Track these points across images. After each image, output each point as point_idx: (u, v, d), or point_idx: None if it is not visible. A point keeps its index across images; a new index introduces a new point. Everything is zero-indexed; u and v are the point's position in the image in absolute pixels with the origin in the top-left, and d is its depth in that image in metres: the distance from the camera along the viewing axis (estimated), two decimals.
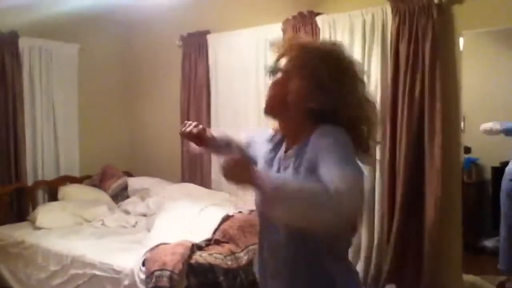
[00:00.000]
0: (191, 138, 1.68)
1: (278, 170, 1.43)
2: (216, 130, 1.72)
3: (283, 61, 1.40)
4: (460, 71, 3.14)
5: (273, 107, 1.42)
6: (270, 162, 1.49)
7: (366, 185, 3.27)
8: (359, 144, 1.36)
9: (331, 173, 1.17)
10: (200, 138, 1.67)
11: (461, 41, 3.15)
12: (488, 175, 3.73)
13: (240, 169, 1.21)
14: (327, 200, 1.10)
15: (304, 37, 1.48)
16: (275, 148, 1.50)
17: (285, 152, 1.44)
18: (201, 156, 4.37)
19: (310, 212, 1.12)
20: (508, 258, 3.42)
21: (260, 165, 1.52)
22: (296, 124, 1.40)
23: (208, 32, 4.36)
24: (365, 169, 1.39)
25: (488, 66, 3.48)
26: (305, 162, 1.32)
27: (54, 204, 4.11)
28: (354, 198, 1.15)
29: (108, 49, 4.94)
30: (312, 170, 1.26)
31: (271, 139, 1.53)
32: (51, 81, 4.38)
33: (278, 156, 1.47)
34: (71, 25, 4.42)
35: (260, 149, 1.57)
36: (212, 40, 4.33)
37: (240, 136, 1.73)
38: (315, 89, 1.33)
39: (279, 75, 1.40)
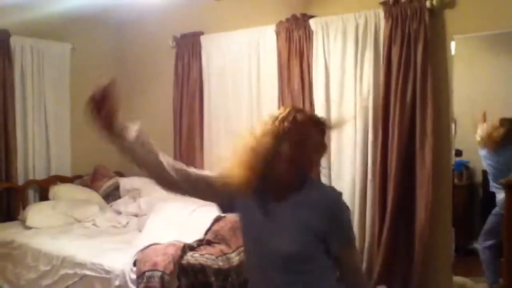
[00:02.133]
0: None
1: (272, 219, 1.56)
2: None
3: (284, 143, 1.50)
4: (451, 75, 3.17)
5: (291, 182, 1.56)
6: (265, 212, 1.57)
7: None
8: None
9: (353, 264, 1.60)
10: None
11: (452, 45, 3.18)
12: (478, 178, 3.76)
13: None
14: None
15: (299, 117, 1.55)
16: (261, 197, 1.58)
17: (277, 200, 1.56)
18: (193, 157, 4.37)
19: None
20: (493, 272, 3.48)
21: (245, 211, 1.63)
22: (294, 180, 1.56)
23: (201, 33, 4.36)
24: None
25: (479, 70, 3.51)
26: (310, 225, 1.51)
27: (44, 203, 4.09)
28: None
29: (101, 49, 4.92)
30: (320, 237, 1.51)
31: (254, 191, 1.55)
32: (42, 81, 4.36)
33: (269, 205, 1.57)
34: (63, 24, 4.41)
35: (243, 200, 1.60)
36: (205, 41, 4.33)
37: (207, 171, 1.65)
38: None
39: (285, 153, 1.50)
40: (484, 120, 3.56)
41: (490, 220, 3.56)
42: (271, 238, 1.53)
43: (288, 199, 1.54)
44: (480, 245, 3.60)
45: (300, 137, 1.50)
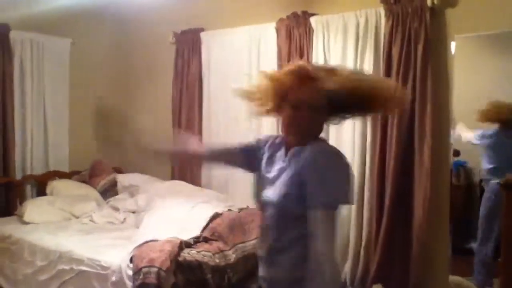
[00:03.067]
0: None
1: (276, 169, 1.66)
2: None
3: (299, 93, 1.58)
4: (451, 74, 3.16)
5: (297, 129, 1.62)
6: (271, 161, 1.71)
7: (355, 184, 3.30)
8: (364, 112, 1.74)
9: (316, 226, 1.48)
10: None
11: (453, 44, 3.17)
12: (476, 178, 3.77)
13: None
14: (323, 269, 1.45)
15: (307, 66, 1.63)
16: (275, 147, 1.73)
17: (287, 150, 1.67)
18: (196, 168, 4.35)
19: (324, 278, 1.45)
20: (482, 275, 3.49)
21: (262, 164, 1.73)
22: (304, 136, 1.62)
23: (202, 29, 4.36)
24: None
25: (480, 70, 3.51)
26: (294, 170, 1.57)
27: (42, 199, 4.08)
28: (333, 241, 1.48)
29: (101, 44, 4.91)
30: (298, 183, 1.53)
31: (270, 141, 1.77)
32: (42, 75, 4.35)
33: (279, 154, 1.70)
34: (63, 19, 4.40)
35: (262, 150, 1.77)
36: (205, 37, 4.32)
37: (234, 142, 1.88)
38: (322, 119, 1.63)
39: (300, 105, 1.57)
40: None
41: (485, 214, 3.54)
42: (267, 190, 1.64)
43: (289, 154, 1.64)
44: (476, 245, 3.59)
45: (299, 98, 1.57)
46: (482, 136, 3.58)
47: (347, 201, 1.56)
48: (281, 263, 1.60)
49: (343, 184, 1.55)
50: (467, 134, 3.60)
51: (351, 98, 1.55)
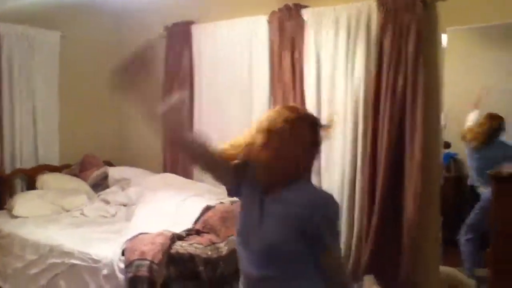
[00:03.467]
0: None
1: (261, 213, 1.60)
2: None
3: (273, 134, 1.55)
4: (442, 67, 3.18)
5: (276, 167, 1.57)
6: (253, 202, 1.63)
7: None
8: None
9: (330, 264, 1.55)
10: None
11: (444, 37, 3.19)
12: (466, 170, 3.80)
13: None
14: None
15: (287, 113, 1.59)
16: (253, 186, 1.65)
17: (266, 194, 1.61)
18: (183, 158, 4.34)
19: None
20: (473, 263, 3.54)
21: (245, 198, 1.70)
22: (287, 176, 1.58)
23: (192, 22, 4.33)
24: None
25: (471, 63, 3.54)
26: (296, 220, 1.52)
27: (32, 192, 4.04)
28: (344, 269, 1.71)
29: (91, 37, 4.85)
30: (303, 235, 1.50)
31: (248, 177, 1.67)
32: (31, 69, 4.28)
33: (258, 198, 1.62)
34: (52, 11, 4.34)
35: (251, 183, 1.67)
36: (196, 31, 4.30)
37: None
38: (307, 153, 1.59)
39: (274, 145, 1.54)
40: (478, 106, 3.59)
41: (473, 216, 3.61)
42: (257, 229, 1.58)
43: (280, 194, 1.58)
44: (462, 237, 3.65)
45: (290, 135, 1.54)
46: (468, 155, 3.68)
47: None
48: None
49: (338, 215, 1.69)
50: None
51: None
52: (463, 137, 3.68)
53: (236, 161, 1.71)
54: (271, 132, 1.54)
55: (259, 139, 1.56)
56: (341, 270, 1.63)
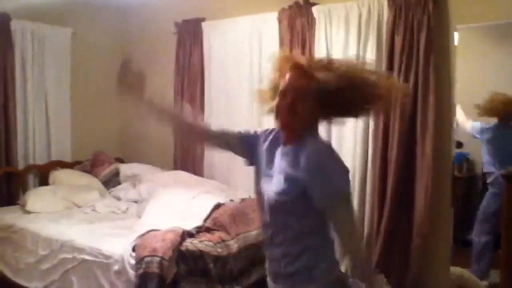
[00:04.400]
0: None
1: (271, 166, 1.65)
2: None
3: (286, 79, 1.57)
4: (454, 65, 3.15)
5: (284, 118, 1.58)
6: (271, 155, 1.67)
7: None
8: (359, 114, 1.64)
9: (338, 226, 1.52)
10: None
11: (455, 35, 3.16)
12: (478, 170, 3.76)
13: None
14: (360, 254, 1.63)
15: (301, 57, 1.69)
16: (274, 142, 1.69)
17: (284, 145, 1.63)
18: (194, 144, 4.37)
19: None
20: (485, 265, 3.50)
21: (261, 157, 1.71)
22: (298, 127, 1.58)
23: (203, 19, 4.34)
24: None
25: (482, 61, 3.50)
26: (291, 171, 1.54)
27: (45, 188, 4.09)
28: (356, 232, 1.66)
29: (102, 34, 4.89)
30: (297, 185, 1.51)
31: (270, 135, 1.73)
32: (43, 65, 4.34)
33: (278, 150, 1.65)
34: (64, 9, 4.38)
35: (261, 144, 1.73)
36: (207, 27, 4.30)
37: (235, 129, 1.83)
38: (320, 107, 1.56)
39: (285, 91, 1.56)
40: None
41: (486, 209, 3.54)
42: (266, 184, 1.63)
43: (286, 149, 1.60)
44: (476, 237, 3.60)
45: (285, 84, 1.56)
46: (481, 131, 3.57)
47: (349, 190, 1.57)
48: (281, 258, 1.60)
49: (345, 176, 1.54)
50: (467, 125, 3.60)
51: (341, 94, 1.51)
52: (482, 110, 3.48)
53: (239, 132, 1.79)
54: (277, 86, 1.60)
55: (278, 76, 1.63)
56: (352, 235, 1.55)
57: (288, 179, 1.53)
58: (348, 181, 1.55)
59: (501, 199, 3.18)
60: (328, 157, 1.52)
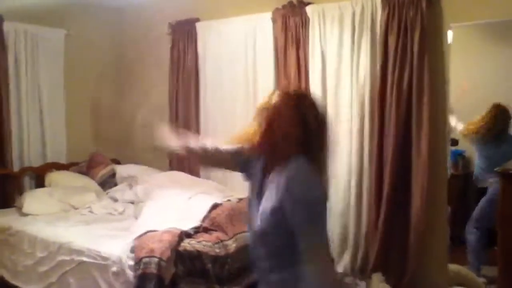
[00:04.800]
0: None
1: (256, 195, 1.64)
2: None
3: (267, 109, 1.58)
4: (448, 63, 3.17)
5: (264, 149, 1.60)
6: (261, 184, 1.64)
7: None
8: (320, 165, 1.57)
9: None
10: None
11: (449, 33, 3.18)
12: (474, 167, 3.79)
13: None
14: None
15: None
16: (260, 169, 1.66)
17: (267, 173, 1.61)
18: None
19: None
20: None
21: (253, 181, 1.68)
22: (279, 156, 1.55)
23: (197, 20, 4.33)
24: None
25: (476, 59, 3.53)
26: (274, 199, 1.51)
27: (41, 190, 4.08)
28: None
29: (96, 35, 4.88)
30: (276, 210, 1.49)
31: (257, 161, 1.69)
32: (37, 67, 4.32)
33: (260, 180, 1.64)
34: (57, 10, 4.37)
35: (254, 166, 1.69)
36: (201, 28, 4.30)
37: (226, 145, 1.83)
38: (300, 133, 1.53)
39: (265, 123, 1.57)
40: None
41: (479, 211, 3.58)
42: (252, 214, 1.63)
43: (270, 177, 1.58)
44: (468, 233, 3.63)
45: (273, 115, 1.55)
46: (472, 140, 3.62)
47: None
48: (268, 268, 1.60)
49: (313, 191, 1.49)
50: (460, 128, 3.65)
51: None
52: (466, 133, 3.58)
53: (232, 149, 1.77)
54: (262, 111, 1.59)
55: (256, 121, 1.61)
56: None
57: (273, 212, 1.51)
58: (316, 197, 1.49)
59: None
60: (297, 181, 1.48)
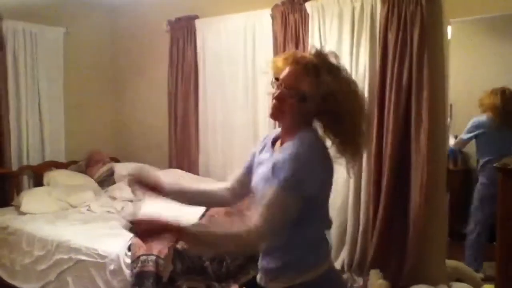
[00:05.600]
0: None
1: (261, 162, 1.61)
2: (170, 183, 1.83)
3: (282, 74, 1.52)
4: (447, 59, 3.15)
5: (277, 114, 1.54)
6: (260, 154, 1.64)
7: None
8: (345, 146, 1.48)
9: (264, 199, 1.41)
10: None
11: (449, 29, 3.16)
12: (473, 163, 3.76)
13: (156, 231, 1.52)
14: (247, 240, 1.40)
15: (298, 53, 1.57)
16: (267, 143, 1.65)
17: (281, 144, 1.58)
18: (188, 141, 4.37)
19: (235, 249, 1.53)
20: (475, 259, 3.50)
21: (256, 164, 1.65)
22: (292, 124, 1.53)
23: (196, 17, 4.32)
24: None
25: (476, 54, 3.50)
26: (274, 161, 1.47)
27: (39, 189, 4.07)
28: (274, 223, 1.40)
29: (95, 33, 4.87)
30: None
31: (265, 140, 1.69)
32: (36, 65, 4.31)
33: (266, 148, 1.64)
34: (56, 8, 4.36)
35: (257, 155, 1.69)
36: (200, 25, 4.29)
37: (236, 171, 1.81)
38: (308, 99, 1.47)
39: (278, 86, 1.52)
40: None
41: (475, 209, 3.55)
42: (256, 179, 1.60)
43: (277, 146, 1.58)
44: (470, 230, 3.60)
45: (280, 77, 1.52)
46: (477, 126, 3.55)
47: (314, 191, 1.45)
48: (269, 254, 1.58)
49: (314, 172, 1.43)
50: (460, 139, 3.63)
51: (334, 107, 1.45)
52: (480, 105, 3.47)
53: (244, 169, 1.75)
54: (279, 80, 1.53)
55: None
56: (263, 225, 1.39)
57: (269, 170, 1.47)
58: (315, 176, 1.43)
59: (490, 186, 3.22)
60: (308, 149, 1.44)
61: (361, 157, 1.54)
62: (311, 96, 1.46)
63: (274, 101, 1.52)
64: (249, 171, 1.70)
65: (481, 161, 3.55)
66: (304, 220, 1.47)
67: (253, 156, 1.71)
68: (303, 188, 1.41)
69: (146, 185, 1.74)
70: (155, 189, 1.77)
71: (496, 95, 3.40)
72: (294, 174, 1.39)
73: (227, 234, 1.45)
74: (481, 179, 3.52)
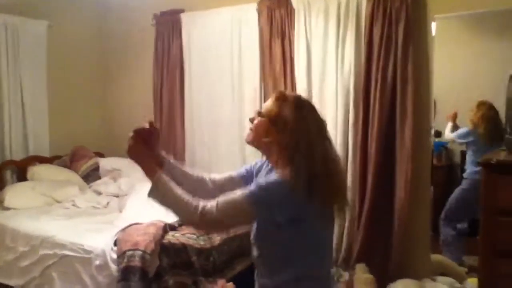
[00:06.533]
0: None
1: None
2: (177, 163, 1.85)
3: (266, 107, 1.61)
4: (432, 55, 3.19)
5: (254, 141, 1.64)
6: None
7: None
8: (318, 195, 1.46)
9: (230, 195, 1.48)
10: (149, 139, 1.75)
11: (433, 25, 3.19)
12: (457, 158, 3.82)
13: (138, 150, 1.64)
14: (191, 214, 1.49)
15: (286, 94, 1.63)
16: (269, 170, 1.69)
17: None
18: (174, 137, 4.34)
19: (177, 213, 1.57)
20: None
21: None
22: (274, 159, 1.59)
23: (182, 10, 4.29)
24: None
25: (460, 50, 3.54)
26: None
27: (23, 184, 4.01)
28: (221, 218, 1.47)
29: (79, 27, 4.80)
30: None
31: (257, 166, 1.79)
32: (18, 59, 4.22)
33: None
34: (39, 1, 4.28)
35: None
36: (186, 19, 4.26)
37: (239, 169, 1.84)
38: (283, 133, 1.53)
39: (260, 118, 1.61)
40: (454, 120, 3.58)
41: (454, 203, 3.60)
42: None
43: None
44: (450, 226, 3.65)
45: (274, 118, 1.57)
46: (466, 134, 3.60)
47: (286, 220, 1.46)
48: (263, 272, 1.62)
49: (280, 195, 1.45)
50: (449, 134, 3.67)
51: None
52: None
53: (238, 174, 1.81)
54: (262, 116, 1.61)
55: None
56: (208, 221, 1.48)
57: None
58: (277, 200, 1.45)
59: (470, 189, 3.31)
60: (278, 181, 1.46)
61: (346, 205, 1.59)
62: (284, 124, 1.52)
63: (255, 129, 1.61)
64: (245, 176, 1.78)
65: (468, 171, 3.60)
66: (297, 238, 1.49)
67: (255, 167, 1.78)
68: (273, 211, 1.46)
69: (148, 145, 1.74)
70: (155, 150, 1.80)
71: (482, 108, 3.45)
72: (268, 194, 1.45)
73: (183, 199, 1.51)
74: (464, 185, 3.56)
